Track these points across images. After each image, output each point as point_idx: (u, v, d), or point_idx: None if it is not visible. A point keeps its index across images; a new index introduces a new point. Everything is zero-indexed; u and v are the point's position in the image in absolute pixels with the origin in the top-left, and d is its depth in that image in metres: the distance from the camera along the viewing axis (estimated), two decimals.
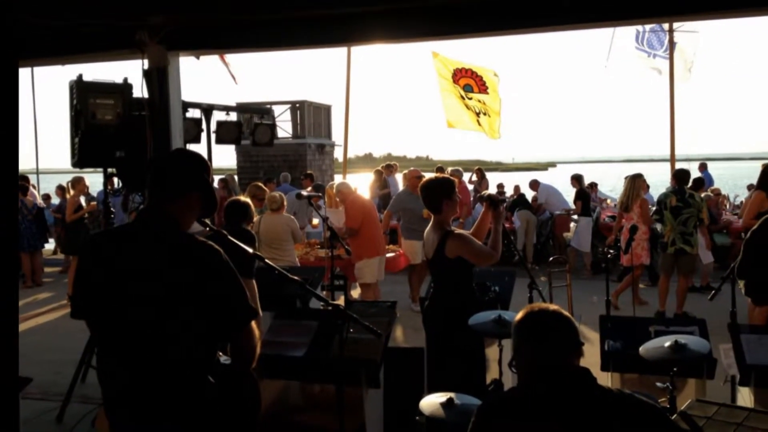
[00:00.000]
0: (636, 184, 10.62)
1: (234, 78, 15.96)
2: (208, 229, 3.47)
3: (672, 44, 16.72)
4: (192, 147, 7.85)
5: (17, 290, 2.96)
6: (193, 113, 8.10)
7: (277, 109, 24.13)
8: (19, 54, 6.10)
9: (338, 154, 27.04)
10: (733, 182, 31.93)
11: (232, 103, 10.75)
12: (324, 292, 8.88)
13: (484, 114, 13.31)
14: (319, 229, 13.03)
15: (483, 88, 13.33)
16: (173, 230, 2.98)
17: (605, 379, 5.38)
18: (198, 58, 7.49)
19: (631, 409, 2.61)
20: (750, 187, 16.44)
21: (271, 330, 5.75)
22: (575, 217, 14.97)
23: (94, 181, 14.34)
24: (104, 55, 7.00)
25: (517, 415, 2.65)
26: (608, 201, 17.74)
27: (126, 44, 6.47)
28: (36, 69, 19.42)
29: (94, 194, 15.21)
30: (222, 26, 6.51)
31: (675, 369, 4.58)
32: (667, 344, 4.47)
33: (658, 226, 10.75)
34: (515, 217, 15.18)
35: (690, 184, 10.70)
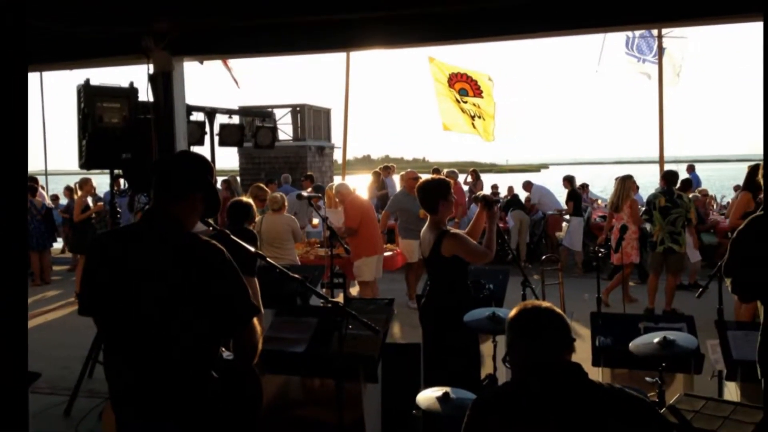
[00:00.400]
0: (626, 185, 10.63)
1: (236, 82, 15.95)
2: (211, 228, 3.47)
3: (661, 49, 16.74)
4: (196, 149, 7.86)
5: (26, 288, 2.96)
6: (197, 116, 8.11)
7: (278, 113, 24.13)
8: (28, 59, 6.09)
9: (337, 155, 27.06)
10: (720, 183, 31.92)
11: (235, 107, 10.76)
12: (324, 290, 8.89)
13: (479, 117, 13.31)
14: (319, 228, 13.04)
15: (478, 92, 13.33)
16: (177, 230, 2.98)
17: (596, 375, 5.39)
18: (201, 63, 7.48)
19: (622, 403, 2.61)
20: (736, 188, 16.46)
21: (272, 326, 5.75)
22: (567, 217, 14.98)
23: (101, 182, 14.35)
24: (111, 60, 6.99)
25: (511, 409, 2.65)
26: (599, 201, 17.75)
27: (132, 50, 6.47)
28: (44, 73, 19.39)
29: (101, 195, 15.22)
30: (225, 32, 6.50)
31: (664, 364, 4.59)
32: (656, 340, 4.48)
33: (648, 226, 10.76)
34: (509, 217, 15.19)
35: (678, 185, 10.72)
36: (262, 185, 10.53)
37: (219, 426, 3.01)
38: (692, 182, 14.14)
